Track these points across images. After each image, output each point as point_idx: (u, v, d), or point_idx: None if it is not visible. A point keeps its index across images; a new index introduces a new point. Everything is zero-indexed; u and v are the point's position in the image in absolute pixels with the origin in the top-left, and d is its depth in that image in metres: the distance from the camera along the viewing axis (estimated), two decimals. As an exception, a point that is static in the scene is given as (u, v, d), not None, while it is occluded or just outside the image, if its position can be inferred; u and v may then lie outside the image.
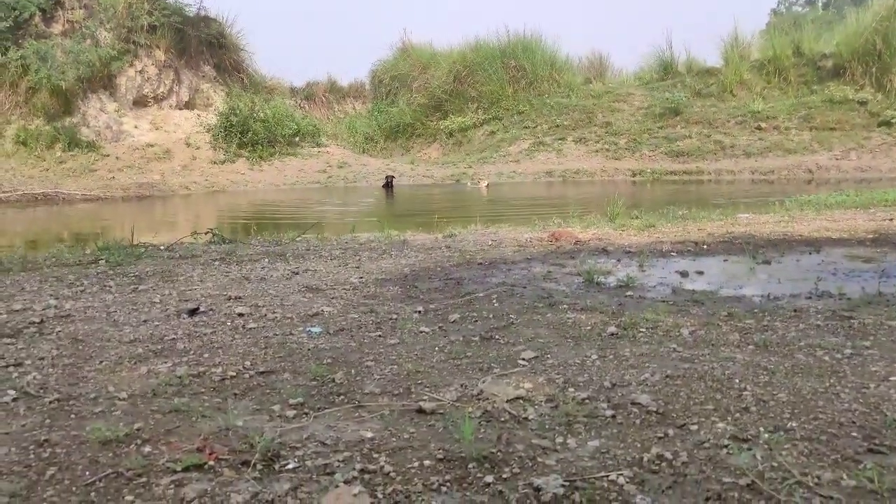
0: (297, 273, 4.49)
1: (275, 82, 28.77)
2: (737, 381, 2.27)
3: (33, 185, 16.73)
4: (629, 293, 3.64)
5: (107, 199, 15.82)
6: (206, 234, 6.69)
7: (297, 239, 6.70)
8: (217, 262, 4.93)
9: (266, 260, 5.04)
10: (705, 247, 5.19)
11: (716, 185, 16.40)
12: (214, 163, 19.79)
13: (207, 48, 23.23)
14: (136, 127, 20.52)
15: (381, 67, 29.71)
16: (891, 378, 2.26)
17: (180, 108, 21.98)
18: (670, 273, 4.22)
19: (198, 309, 3.40)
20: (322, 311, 3.42)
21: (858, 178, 15.73)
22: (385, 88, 28.80)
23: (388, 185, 16.82)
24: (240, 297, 3.71)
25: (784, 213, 7.90)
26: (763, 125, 18.53)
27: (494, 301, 3.56)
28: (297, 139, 21.73)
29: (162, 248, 5.75)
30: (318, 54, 44.71)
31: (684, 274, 4.16)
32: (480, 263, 4.72)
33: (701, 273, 4.18)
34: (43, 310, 3.49)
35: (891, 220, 6.59)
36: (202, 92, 23.04)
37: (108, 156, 19.23)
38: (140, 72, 21.22)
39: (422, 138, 25.39)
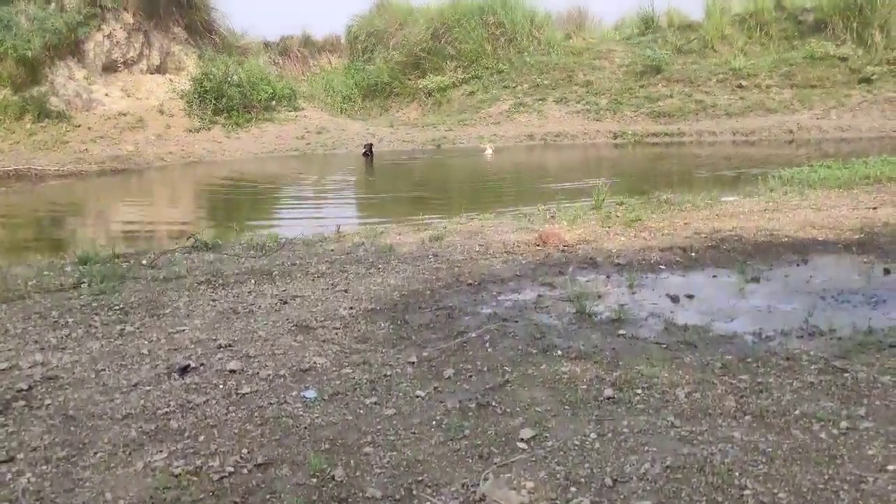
0: (285, 302, 4.44)
1: (248, 41, 28.11)
2: (736, 473, 2.28)
3: (5, 161, 16.33)
4: (622, 331, 3.64)
5: (80, 175, 15.49)
6: (188, 240, 6.61)
7: (281, 240, 6.62)
8: (203, 287, 4.85)
9: (253, 281, 4.98)
10: (693, 255, 5.19)
11: (697, 146, 16.36)
12: (190, 131, 19.42)
13: (177, 8, 22.58)
14: (106, 95, 20.00)
15: (357, 23, 29.09)
16: (888, 467, 2.28)
17: (151, 73, 21.43)
18: (661, 297, 4.22)
19: (188, 367, 3.35)
20: (314, 364, 3.39)
21: (839, 138, 15.77)
22: (361, 45, 28.24)
23: (368, 152, 16.62)
24: (230, 346, 3.66)
25: (767, 196, 7.91)
26: (744, 83, 18.42)
27: (487, 345, 3.54)
28: (273, 103, 21.37)
29: (144, 263, 5.66)
30: (291, 7, 43.59)
31: (675, 299, 4.16)
32: (470, 284, 4.69)
33: (691, 297, 4.18)
34: (30, 368, 3.43)
35: (874, 209, 6.61)
36: (173, 55, 22.46)
37: (79, 126, 18.77)
38: (108, 36, 20.61)
39: (400, 97, 25.05)
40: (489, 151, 16.18)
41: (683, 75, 19.49)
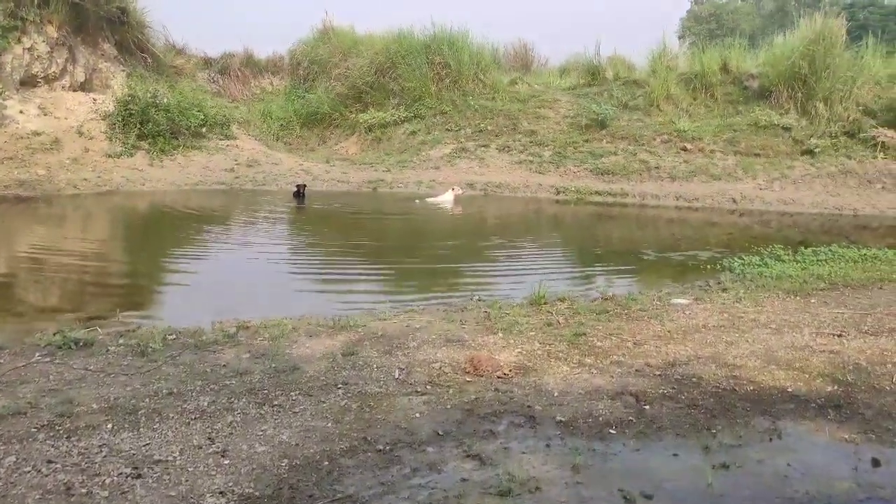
0: (139, 475, 3.46)
1: (183, 60, 26.87)
2: None
3: None
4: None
5: (-21, 202, 14.05)
6: (55, 335, 5.55)
7: (170, 337, 5.63)
8: (41, 436, 3.82)
9: (110, 426, 3.97)
10: (647, 407, 4.42)
11: (640, 209, 15.95)
12: (110, 156, 18.08)
13: (107, 24, 21.31)
14: (21, 112, 18.54)
15: (300, 49, 28.28)
16: None
17: (74, 90, 20.05)
18: (612, 494, 3.41)
19: None
20: None
21: (781, 211, 15.55)
22: (304, 72, 27.38)
23: (300, 193, 15.65)
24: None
25: (721, 301, 7.29)
26: (689, 147, 18.17)
27: None
28: (203, 130, 20.18)
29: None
30: (235, 27, 42.29)
31: (629, 499, 3.36)
32: (380, 450, 3.80)
33: (649, 498, 3.38)
34: None
35: (839, 336, 6.01)
36: (100, 72, 21.16)
37: (-15, 144, 17.27)
38: (29, 49, 19.19)
39: (340, 129, 24.19)
40: (449, 197, 15.19)
41: (628, 132, 19.17)
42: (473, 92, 22.08)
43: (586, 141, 19.13)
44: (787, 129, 18.16)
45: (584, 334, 5.91)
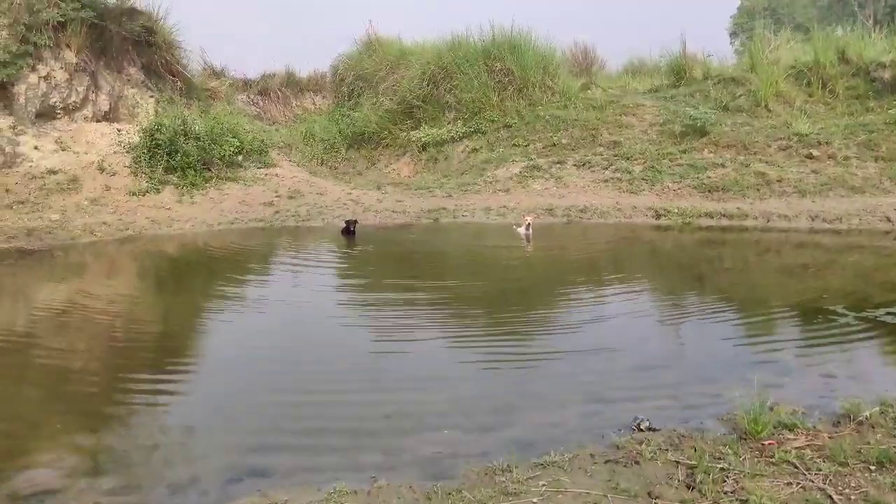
0: None
1: (218, 83, 24.72)
2: None
3: None
4: None
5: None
6: None
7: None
8: None
9: None
10: None
11: (764, 234, 12.90)
12: (134, 194, 15.81)
13: (133, 46, 19.18)
14: (36, 148, 16.44)
15: (343, 63, 26.00)
16: None
17: (98, 121, 17.92)
18: None
19: None
20: None
21: (952, 231, 12.35)
22: (348, 88, 25.07)
23: (350, 230, 13.12)
24: None
25: None
26: (815, 153, 15.03)
27: None
28: (239, 158, 17.77)
29: None
30: (277, 48, 40.43)
31: None
32: None
33: None
34: None
35: None
36: (126, 99, 19.05)
37: (-7, 187, 15.16)
38: (45, 78, 17.12)
39: (390, 149, 21.69)
40: (523, 230, 12.60)
41: (734, 139, 16.11)
42: (541, 101, 19.32)
43: (683, 152, 16.12)
44: (935, 127, 14.95)
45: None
